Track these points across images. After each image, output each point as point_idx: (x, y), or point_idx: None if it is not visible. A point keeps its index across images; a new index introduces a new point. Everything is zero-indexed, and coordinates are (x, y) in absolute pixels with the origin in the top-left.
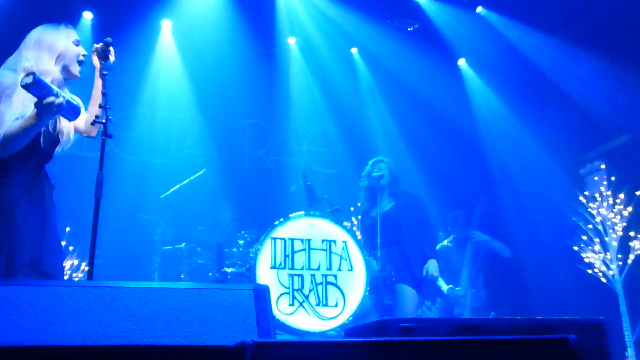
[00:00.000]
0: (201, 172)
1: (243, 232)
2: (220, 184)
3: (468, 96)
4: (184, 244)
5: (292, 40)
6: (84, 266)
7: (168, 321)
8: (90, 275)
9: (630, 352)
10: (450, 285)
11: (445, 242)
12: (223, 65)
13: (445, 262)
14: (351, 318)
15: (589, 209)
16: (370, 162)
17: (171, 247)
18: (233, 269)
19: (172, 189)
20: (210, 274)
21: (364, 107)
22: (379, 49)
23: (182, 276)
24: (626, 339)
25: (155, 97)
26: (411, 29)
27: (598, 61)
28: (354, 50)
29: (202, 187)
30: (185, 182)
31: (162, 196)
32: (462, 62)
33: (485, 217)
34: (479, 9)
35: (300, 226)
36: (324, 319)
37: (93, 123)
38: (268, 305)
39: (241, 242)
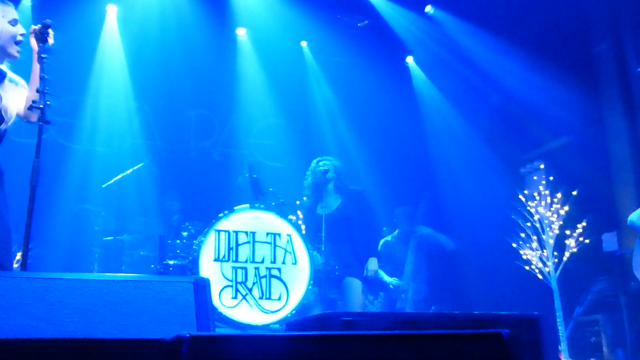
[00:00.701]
0: (141, 164)
1: (187, 223)
2: (165, 174)
3: (415, 93)
4: (125, 235)
5: (241, 31)
6: (19, 256)
7: (103, 314)
8: (24, 265)
9: (563, 346)
10: (394, 278)
11: (389, 237)
12: (170, 54)
13: (389, 256)
14: (294, 311)
15: (528, 208)
16: (314, 160)
17: (112, 238)
18: (175, 261)
19: (114, 179)
20: (152, 266)
21: (312, 101)
22: (329, 44)
23: (123, 268)
24: (560, 334)
25: (99, 84)
26: (361, 24)
27: (542, 64)
28: (304, 43)
29: (145, 178)
30: (127, 172)
31: (103, 185)
32: (410, 59)
33: (429, 212)
34: (428, 8)
35: (245, 219)
36: (267, 312)
37: (30, 108)
38: (208, 298)
39: (185, 234)
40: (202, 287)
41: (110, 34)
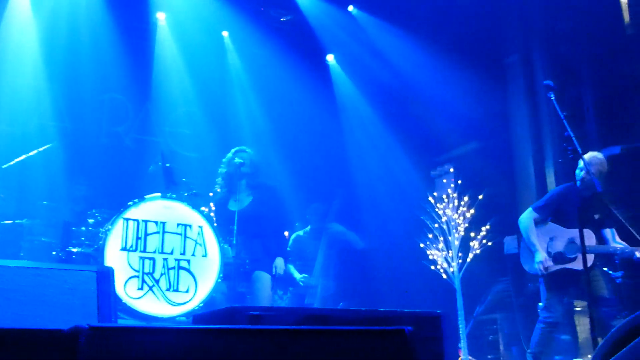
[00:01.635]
0: (47, 146)
1: (94, 210)
2: (73, 158)
3: (334, 92)
4: (25, 219)
5: (161, 16)
6: None
7: None
8: None
9: (462, 344)
10: (304, 274)
11: (301, 232)
12: (84, 34)
13: (299, 252)
14: (202, 304)
15: (437, 209)
16: (232, 150)
17: (11, 221)
18: (79, 249)
19: (16, 159)
20: (53, 252)
21: (231, 92)
22: (251, 36)
23: (22, 254)
24: (460, 332)
25: (4, 60)
26: (284, 19)
27: (456, 71)
28: (225, 33)
29: (52, 160)
30: (31, 153)
31: (4, 166)
32: (330, 57)
33: (342, 210)
34: (350, 8)
35: (155, 208)
36: (173, 305)
37: None
38: (112, 288)
39: (91, 220)
40: (105, 277)
41: (22, 8)
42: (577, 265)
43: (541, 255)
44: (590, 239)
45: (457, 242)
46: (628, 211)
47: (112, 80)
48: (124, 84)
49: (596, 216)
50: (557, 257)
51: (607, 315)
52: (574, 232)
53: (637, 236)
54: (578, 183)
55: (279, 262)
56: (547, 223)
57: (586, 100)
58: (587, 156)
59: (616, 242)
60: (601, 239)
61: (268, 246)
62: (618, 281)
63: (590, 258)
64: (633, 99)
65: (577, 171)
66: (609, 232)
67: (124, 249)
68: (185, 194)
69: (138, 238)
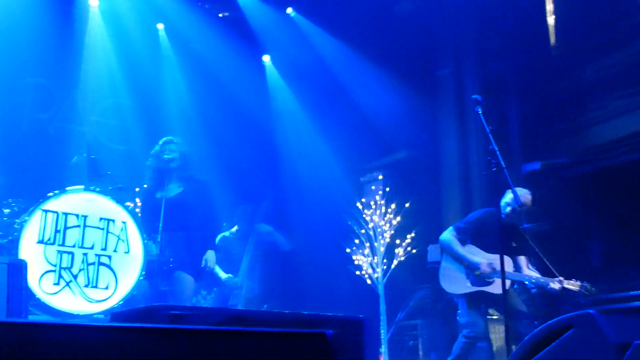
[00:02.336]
0: None
1: (10, 200)
2: None
3: (269, 92)
4: None
5: (94, 2)
6: None
7: None
8: None
9: (383, 349)
10: (229, 275)
11: (227, 233)
12: (10, 12)
13: (225, 252)
14: (122, 302)
15: (364, 215)
16: (160, 142)
17: None
18: None
19: None
20: None
21: (163, 86)
22: (187, 30)
23: None
24: (382, 337)
25: None
26: (222, 15)
27: (390, 82)
28: (160, 26)
29: None
30: None
31: None
32: (266, 58)
33: (270, 211)
34: (289, 10)
35: (77, 201)
36: (91, 301)
37: None
38: (24, 282)
39: (6, 210)
40: (17, 270)
41: None
42: (495, 289)
43: (477, 258)
44: (508, 265)
45: (382, 249)
46: (543, 225)
47: (39, 64)
48: (51, 70)
49: (514, 244)
50: (476, 280)
51: (521, 324)
52: (493, 257)
53: (551, 268)
54: (503, 215)
55: (210, 255)
56: (466, 244)
57: (511, 116)
58: (518, 191)
59: (530, 269)
60: (517, 266)
61: (192, 242)
62: (533, 292)
63: (507, 282)
64: (555, 117)
65: (503, 203)
66: (523, 260)
67: (40, 241)
68: (110, 188)
69: (57, 231)
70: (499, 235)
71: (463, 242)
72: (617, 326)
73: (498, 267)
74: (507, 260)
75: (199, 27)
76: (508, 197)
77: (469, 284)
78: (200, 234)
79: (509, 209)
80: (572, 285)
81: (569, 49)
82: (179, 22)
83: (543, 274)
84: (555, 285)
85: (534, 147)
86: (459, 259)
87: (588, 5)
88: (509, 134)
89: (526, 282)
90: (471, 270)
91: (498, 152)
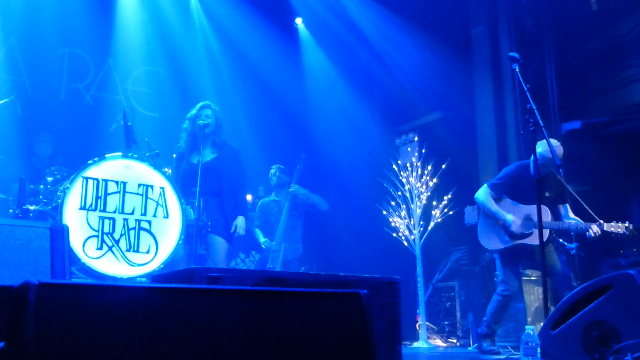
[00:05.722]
0: (4, 100)
1: (53, 168)
2: (30, 113)
3: (301, 55)
4: None
5: None
6: None
7: None
8: None
9: (421, 309)
10: (266, 239)
11: (267, 199)
12: None
13: (265, 216)
14: (162, 266)
15: (400, 177)
16: (197, 106)
17: None
18: (36, 207)
19: None
20: (10, 210)
21: (196, 53)
22: None
23: None
24: (419, 298)
25: None
26: None
27: (423, 41)
28: None
29: (8, 115)
30: None
31: None
32: (299, 21)
33: (306, 173)
34: None
35: (116, 168)
36: (133, 265)
37: None
38: (66, 245)
39: (50, 178)
40: (59, 234)
41: None
42: (533, 240)
43: (511, 217)
44: (546, 215)
45: (419, 211)
46: (584, 185)
47: (73, 34)
48: (86, 39)
49: (551, 193)
50: (513, 234)
51: (559, 285)
52: (530, 209)
53: (591, 212)
54: (536, 166)
55: (240, 221)
56: (502, 199)
57: (549, 74)
58: (552, 142)
59: (570, 218)
60: (556, 215)
61: (225, 207)
62: (572, 252)
63: (546, 233)
64: (594, 75)
65: (537, 155)
66: (562, 208)
67: (82, 208)
68: (147, 154)
69: (98, 197)
70: (531, 188)
71: (499, 198)
72: None
73: (535, 219)
74: (545, 211)
75: None
76: (540, 148)
77: (506, 239)
78: (232, 199)
79: (540, 160)
80: (614, 227)
81: (608, 3)
82: None
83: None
84: (594, 229)
85: (572, 105)
86: (493, 216)
87: None
88: (547, 92)
89: (565, 227)
90: (504, 228)
91: (536, 111)
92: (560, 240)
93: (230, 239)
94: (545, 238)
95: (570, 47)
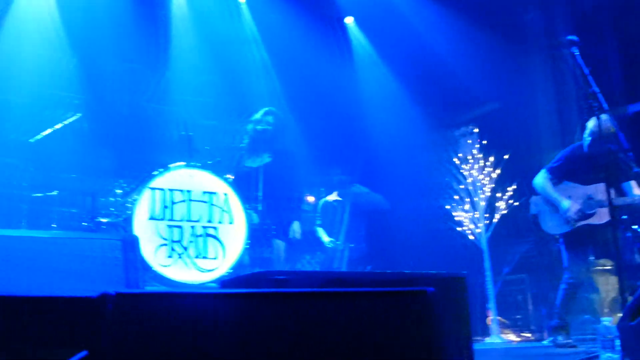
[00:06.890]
0: (76, 116)
1: (121, 181)
2: (96, 129)
3: (352, 54)
4: (55, 191)
5: None
6: None
7: (26, 271)
8: None
9: (491, 304)
10: (331, 239)
11: (328, 198)
12: (100, 5)
13: (328, 216)
14: (230, 270)
15: (462, 170)
16: (261, 111)
17: (42, 194)
18: (108, 219)
19: (43, 133)
20: (84, 223)
21: (248, 59)
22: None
23: (53, 225)
24: (488, 292)
25: (21, 29)
26: None
27: (475, 30)
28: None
29: (75, 132)
30: (58, 126)
31: (32, 139)
32: (349, 20)
33: (365, 173)
34: None
35: (180, 177)
36: (202, 271)
37: None
38: (137, 255)
39: (119, 191)
40: (131, 245)
41: None
42: (597, 220)
43: (567, 203)
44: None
45: (483, 203)
46: None
47: (131, 50)
48: (143, 54)
49: (612, 171)
50: (571, 218)
51: (635, 275)
52: (591, 188)
53: None
54: (587, 145)
55: (296, 226)
56: (561, 182)
57: (610, 56)
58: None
59: (635, 195)
60: (621, 192)
61: (281, 211)
62: None
63: (606, 212)
64: None
65: (586, 134)
66: (626, 186)
67: (152, 217)
68: (209, 162)
69: (165, 207)
70: (589, 167)
71: (558, 182)
72: None
73: (598, 197)
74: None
75: None
76: (589, 126)
77: (568, 222)
78: (286, 203)
79: (589, 139)
80: None
81: None
82: None
83: None
84: None
85: (635, 87)
86: (551, 201)
87: None
88: (608, 75)
89: (629, 202)
90: (562, 214)
91: (599, 94)
92: (635, 227)
93: (289, 242)
94: (607, 218)
95: (629, 27)
